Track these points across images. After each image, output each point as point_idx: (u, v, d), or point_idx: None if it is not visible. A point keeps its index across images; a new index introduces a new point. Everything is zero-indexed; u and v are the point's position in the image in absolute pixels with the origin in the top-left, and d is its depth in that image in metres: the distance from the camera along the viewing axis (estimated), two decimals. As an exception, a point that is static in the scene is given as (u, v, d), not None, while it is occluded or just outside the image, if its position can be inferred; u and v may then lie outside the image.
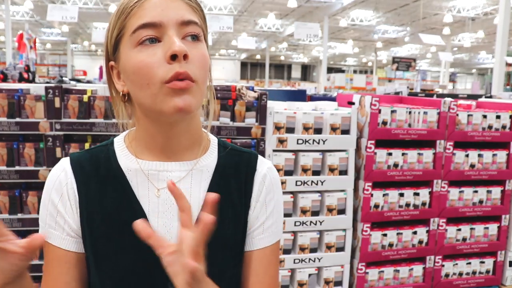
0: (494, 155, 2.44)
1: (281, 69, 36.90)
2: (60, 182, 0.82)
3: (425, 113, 2.31)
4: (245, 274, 0.87)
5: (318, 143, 2.22)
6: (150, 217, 0.80)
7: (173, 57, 0.72)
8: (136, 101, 0.79)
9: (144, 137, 0.83)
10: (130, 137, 0.87)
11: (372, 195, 2.28)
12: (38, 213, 2.06)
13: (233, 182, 0.86)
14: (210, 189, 0.84)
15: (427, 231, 2.40)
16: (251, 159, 0.89)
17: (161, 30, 0.74)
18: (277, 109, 2.19)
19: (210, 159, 0.86)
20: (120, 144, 0.87)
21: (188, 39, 0.76)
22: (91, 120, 2.05)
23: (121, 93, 0.82)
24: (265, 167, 0.89)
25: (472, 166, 2.42)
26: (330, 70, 30.85)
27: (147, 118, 0.80)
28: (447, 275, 2.47)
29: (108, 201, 0.81)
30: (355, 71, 34.92)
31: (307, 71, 37.80)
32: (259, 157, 0.91)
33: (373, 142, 2.24)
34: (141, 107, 0.79)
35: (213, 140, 0.90)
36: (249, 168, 0.88)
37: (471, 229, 2.48)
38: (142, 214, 0.80)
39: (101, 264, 0.80)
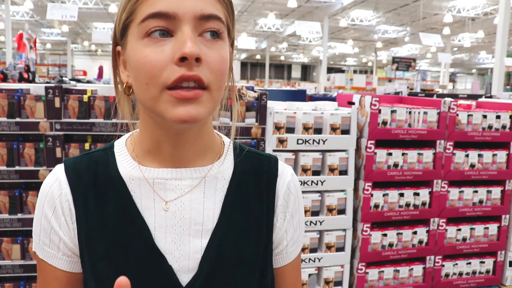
0: (494, 155, 2.44)
1: (281, 69, 36.92)
2: (53, 194, 0.72)
3: (425, 113, 2.31)
4: (281, 285, 0.83)
5: (318, 143, 2.22)
6: (156, 233, 0.71)
7: (182, 59, 0.61)
8: (137, 99, 0.69)
9: (148, 141, 0.72)
10: (133, 140, 0.76)
11: (372, 195, 2.28)
12: (38, 213, 2.07)
13: (252, 190, 0.76)
14: (227, 198, 0.74)
15: (427, 231, 2.40)
16: (271, 163, 0.80)
17: (174, 23, 0.63)
18: (277, 109, 2.19)
19: (225, 164, 0.76)
20: (121, 148, 0.75)
21: (206, 36, 0.64)
22: (91, 120, 2.05)
23: (125, 84, 0.71)
24: (288, 173, 0.81)
25: (472, 166, 2.42)
26: (330, 70, 30.87)
27: (151, 120, 0.70)
28: (447, 275, 2.47)
29: (108, 216, 0.71)
30: (355, 71, 34.93)
31: (307, 71, 37.80)
32: (279, 161, 0.82)
33: (373, 142, 2.24)
34: (143, 107, 0.69)
35: (228, 142, 0.79)
36: (270, 173, 0.79)
37: (471, 229, 2.48)
38: (146, 230, 0.70)
39: (103, 287, 0.71)
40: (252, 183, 0.77)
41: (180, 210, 0.71)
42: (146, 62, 0.62)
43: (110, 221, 0.71)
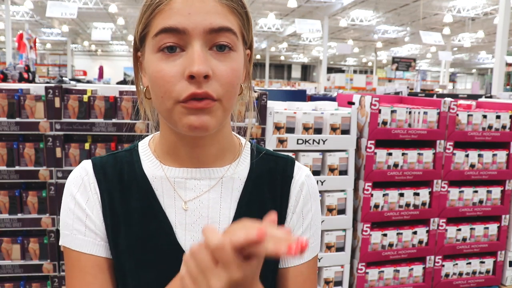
0: (494, 155, 2.44)
1: (281, 69, 36.90)
2: (85, 185, 0.75)
3: (425, 113, 2.31)
4: None
5: (318, 143, 2.21)
6: (177, 230, 0.74)
7: (191, 77, 0.64)
8: (155, 107, 0.73)
9: (167, 143, 0.76)
10: (155, 141, 0.80)
11: (372, 195, 2.28)
12: (38, 213, 2.07)
13: (267, 191, 0.78)
14: (242, 199, 0.76)
15: (427, 231, 2.40)
16: (287, 165, 0.81)
17: (185, 38, 0.65)
18: (277, 109, 2.19)
19: (242, 166, 0.78)
20: (144, 149, 0.79)
21: (217, 49, 0.67)
22: (91, 120, 2.05)
23: (145, 88, 0.75)
24: (303, 175, 0.81)
25: (472, 166, 2.42)
26: (330, 70, 30.86)
27: (167, 126, 0.73)
28: (447, 275, 2.47)
29: (132, 211, 0.74)
30: (355, 71, 34.92)
31: (307, 71, 37.79)
32: (296, 163, 0.83)
33: (373, 142, 2.24)
34: (160, 115, 0.74)
35: (246, 144, 0.82)
36: (285, 175, 0.80)
37: (471, 229, 2.47)
38: (168, 226, 0.73)
39: (125, 280, 0.74)
40: (267, 185, 0.79)
41: (198, 209, 0.74)
42: (159, 77, 0.66)
43: (134, 216, 0.74)
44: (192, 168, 0.75)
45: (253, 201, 0.77)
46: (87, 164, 0.77)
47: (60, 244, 0.76)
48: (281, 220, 0.79)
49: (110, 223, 0.74)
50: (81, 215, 0.73)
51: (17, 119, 2.00)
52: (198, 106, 0.65)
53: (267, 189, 0.78)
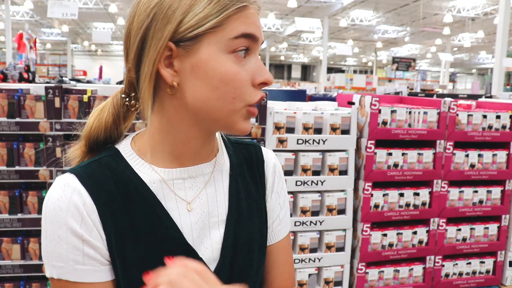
0: (494, 155, 2.44)
1: (281, 69, 36.91)
2: (76, 205, 0.66)
3: (425, 113, 2.31)
4: (266, 267, 0.87)
5: (318, 143, 2.21)
6: (184, 232, 0.73)
7: (263, 84, 0.71)
8: (200, 105, 0.69)
9: (175, 141, 0.73)
10: (142, 143, 0.75)
11: (372, 195, 2.28)
12: (38, 213, 2.07)
13: (248, 177, 0.83)
14: (231, 188, 0.80)
15: (427, 231, 2.40)
16: (257, 151, 0.87)
17: (253, 46, 0.70)
18: (277, 109, 2.19)
19: (224, 156, 0.82)
20: (129, 152, 0.74)
21: None
22: (91, 120, 2.05)
23: (176, 83, 0.68)
24: (272, 157, 0.89)
25: (472, 166, 2.42)
26: (330, 70, 30.87)
27: (194, 122, 0.71)
28: (447, 275, 2.47)
29: (137, 221, 0.70)
30: (355, 71, 34.92)
31: (307, 71, 37.79)
32: (262, 147, 0.90)
33: (373, 142, 2.24)
34: (200, 112, 0.69)
35: (218, 135, 0.84)
36: (258, 160, 0.86)
37: (471, 229, 2.47)
38: (176, 231, 0.72)
39: None
40: (247, 171, 0.84)
41: (200, 206, 0.76)
42: (237, 79, 0.68)
43: (140, 225, 0.70)
44: (190, 166, 0.75)
45: (240, 189, 0.81)
46: (69, 179, 0.68)
47: (50, 276, 0.67)
48: (264, 200, 0.85)
49: (114, 238, 0.68)
50: (77, 243, 0.66)
51: (17, 119, 2.00)
52: (256, 113, 0.71)
53: (248, 174, 0.83)
